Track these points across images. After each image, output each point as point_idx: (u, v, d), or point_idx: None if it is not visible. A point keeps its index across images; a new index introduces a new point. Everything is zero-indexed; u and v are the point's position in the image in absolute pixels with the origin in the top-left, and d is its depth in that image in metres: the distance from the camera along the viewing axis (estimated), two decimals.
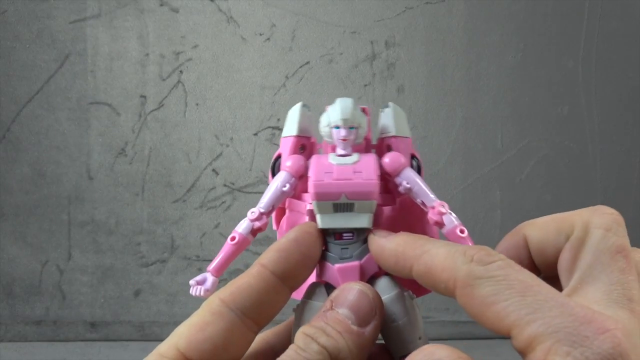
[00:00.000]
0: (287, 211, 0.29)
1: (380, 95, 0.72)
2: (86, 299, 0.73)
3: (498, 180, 0.73)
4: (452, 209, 0.27)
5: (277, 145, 0.77)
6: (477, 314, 0.21)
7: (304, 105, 0.29)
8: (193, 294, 0.26)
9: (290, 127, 0.28)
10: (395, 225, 0.29)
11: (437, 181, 0.73)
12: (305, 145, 0.29)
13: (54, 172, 0.72)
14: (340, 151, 0.27)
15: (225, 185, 0.72)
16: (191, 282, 0.26)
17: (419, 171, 0.28)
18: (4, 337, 0.73)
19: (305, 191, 0.28)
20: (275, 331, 0.29)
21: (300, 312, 0.26)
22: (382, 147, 0.29)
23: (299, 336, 0.23)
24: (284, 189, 0.27)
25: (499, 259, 0.21)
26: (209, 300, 0.24)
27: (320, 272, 0.27)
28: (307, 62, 0.72)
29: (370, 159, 0.26)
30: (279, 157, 0.28)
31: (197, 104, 0.72)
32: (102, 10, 0.70)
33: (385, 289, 0.26)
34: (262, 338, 0.28)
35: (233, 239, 0.26)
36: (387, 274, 0.27)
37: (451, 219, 0.27)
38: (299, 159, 0.27)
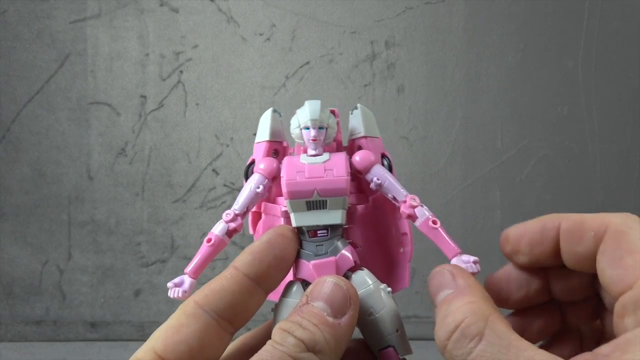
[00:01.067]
0: (262, 215, 0.30)
1: (381, 95, 0.72)
2: (86, 299, 0.73)
3: (498, 180, 0.73)
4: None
5: None
6: (614, 259, 0.22)
7: (274, 111, 0.30)
8: (171, 296, 0.26)
9: (262, 132, 0.30)
10: (368, 222, 0.30)
11: (437, 181, 0.73)
12: (278, 150, 0.30)
13: (54, 172, 0.72)
14: (311, 151, 0.27)
15: (225, 185, 0.72)
16: (169, 284, 0.26)
17: (390, 170, 0.29)
18: (4, 337, 0.73)
19: (280, 195, 0.28)
20: (254, 333, 0.29)
21: (278, 311, 0.27)
22: (353, 148, 0.30)
23: (276, 331, 0.23)
24: (258, 190, 0.28)
25: None
26: (184, 303, 0.25)
27: (296, 270, 0.27)
28: (307, 62, 0.72)
29: (340, 157, 0.27)
30: (252, 162, 0.29)
31: (197, 104, 0.72)
32: (102, 10, 0.71)
33: (362, 283, 0.26)
34: (241, 340, 0.29)
35: (209, 240, 0.27)
36: (362, 268, 0.27)
37: (423, 211, 0.27)
38: (271, 161, 0.28)
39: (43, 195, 0.72)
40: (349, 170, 0.27)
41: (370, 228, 0.30)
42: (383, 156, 0.29)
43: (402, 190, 0.28)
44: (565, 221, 0.24)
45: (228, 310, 0.24)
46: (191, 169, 0.72)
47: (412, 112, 0.73)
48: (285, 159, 0.28)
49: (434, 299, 0.25)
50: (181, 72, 0.72)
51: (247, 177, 0.29)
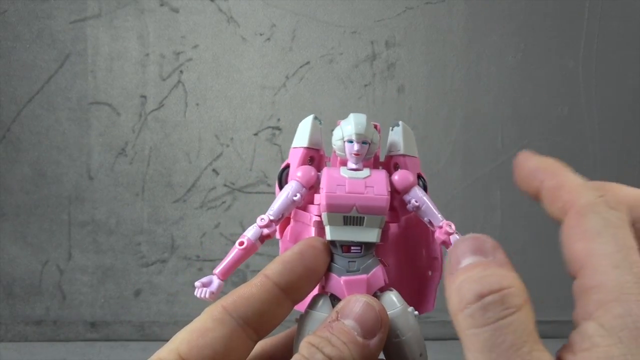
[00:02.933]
0: (291, 221, 0.30)
1: (381, 95, 0.72)
2: (86, 299, 0.73)
3: (498, 180, 0.73)
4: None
5: (278, 145, 0.77)
6: (569, 240, 0.21)
7: (315, 118, 0.29)
8: (198, 295, 0.25)
9: (301, 138, 0.29)
10: (400, 241, 0.29)
11: (437, 181, 0.73)
12: (314, 158, 0.29)
13: (54, 172, 0.72)
14: (351, 165, 0.27)
15: (225, 185, 0.72)
16: (196, 283, 0.26)
17: (424, 190, 0.29)
18: (4, 337, 0.73)
19: (311, 203, 0.28)
20: (274, 341, 0.29)
21: (304, 323, 0.26)
22: (389, 164, 0.30)
23: (304, 345, 0.23)
24: (295, 198, 0.27)
25: (621, 211, 0.21)
26: (211, 307, 0.24)
27: (326, 283, 0.27)
28: (307, 62, 0.72)
29: (381, 175, 0.27)
30: (287, 166, 0.29)
31: (197, 104, 0.72)
32: (102, 10, 0.70)
33: (390, 304, 0.26)
34: (261, 347, 0.28)
35: (242, 243, 0.26)
36: (391, 289, 0.27)
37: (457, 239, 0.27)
38: (309, 169, 0.28)
39: (43, 195, 0.72)
40: (390, 190, 0.27)
41: (400, 248, 0.30)
42: (419, 176, 0.29)
43: (438, 215, 0.28)
44: (547, 181, 0.24)
45: (255, 318, 0.24)
46: (191, 169, 0.72)
47: (412, 112, 0.73)
48: (325, 170, 0.27)
49: (462, 257, 0.21)
50: (181, 72, 0.72)
51: (280, 181, 0.29)
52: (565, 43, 0.73)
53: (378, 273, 0.26)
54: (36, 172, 0.71)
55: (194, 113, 0.72)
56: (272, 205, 0.27)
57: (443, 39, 0.72)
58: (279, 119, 0.72)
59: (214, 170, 0.72)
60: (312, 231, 0.28)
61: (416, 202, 0.28)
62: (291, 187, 0.27)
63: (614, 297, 0.18)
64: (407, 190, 0.28)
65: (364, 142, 0.27)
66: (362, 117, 0.27)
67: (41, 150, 0.71)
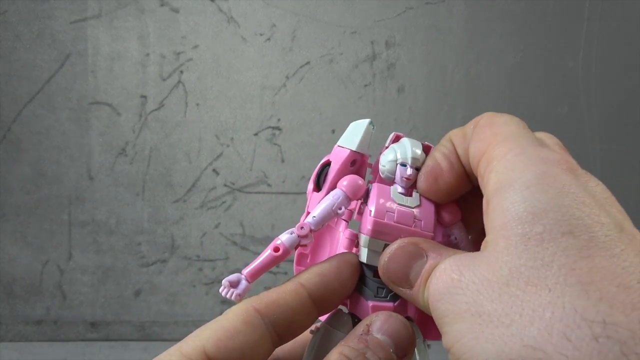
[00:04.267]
0: None
1: (381, 96, 0.72)
2: (87, 299, 0.73)
3: None
4: None
5: (278, 145, 0.77)
6: (476, 137, 0.24)
7: (370, 123, 0.28)
8: (224, 294, 0.24)
9: (350, 139, 0.28)
10: None
11: None
12: (357, 161, 0.28)
13: (55, 172, 0.72)
14: (400, 188, 0.27)
15: (225, 185, 0.72)
16: (224, 281, 0.24)
17: None
18: (5, 337, 0.73)
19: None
20: (286, 347, 0.28)
21: (321, 338, 0.26)
22: None
23: (336, 357, 0.22)
24: (339, 211, 0.26)
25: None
26: (242, 307, 0.24)
27: (351, 303, 0.26)
28: (308, 62, 0.72)
29: (430, 208, 0.26)
30: (327, 163, 0.28)
31: (197, 104, 0.72)
32: (102, 10, 0.71)
33: (415, 332, 0.26)
34: (275, 351, 0.28)
35: (276, 249, 0.25)
36: (411, 319, 0.26)
37: None
38: (356, 180, 0.27)
39: (43, 195, 0.72)
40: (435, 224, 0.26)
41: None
42: None
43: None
44: (454, 137, 0.26)
45: (284, 325, 0.24)
46: (191, 169, 0.72)
47: (412, 112, 0.73)
48: (375, 187, 0.26)
49: (407, 274, 0.23)
50: (181, 72, 0.72)
51: (318, 179, 0.28)
52: (565, 43, 0.73)
53: (404, 303, 0.26)
54: (36, 172, 0.72)
55: (194, 113, 0.72)
56: (313, 212, 0.26)
57: (443, 39, 0.72)
58: (279, 119, 0.72)
59: (214, 170, 0.72)
60: (339, 237, 0.27)
61: (455, 239, 0.27)
62: (337, 197, 0.26)
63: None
64: (450, 225, 0.27)
65: (416, 168, 0.26)
66: (417, 142, 0.27)
67: (41, 150, 0.71)
